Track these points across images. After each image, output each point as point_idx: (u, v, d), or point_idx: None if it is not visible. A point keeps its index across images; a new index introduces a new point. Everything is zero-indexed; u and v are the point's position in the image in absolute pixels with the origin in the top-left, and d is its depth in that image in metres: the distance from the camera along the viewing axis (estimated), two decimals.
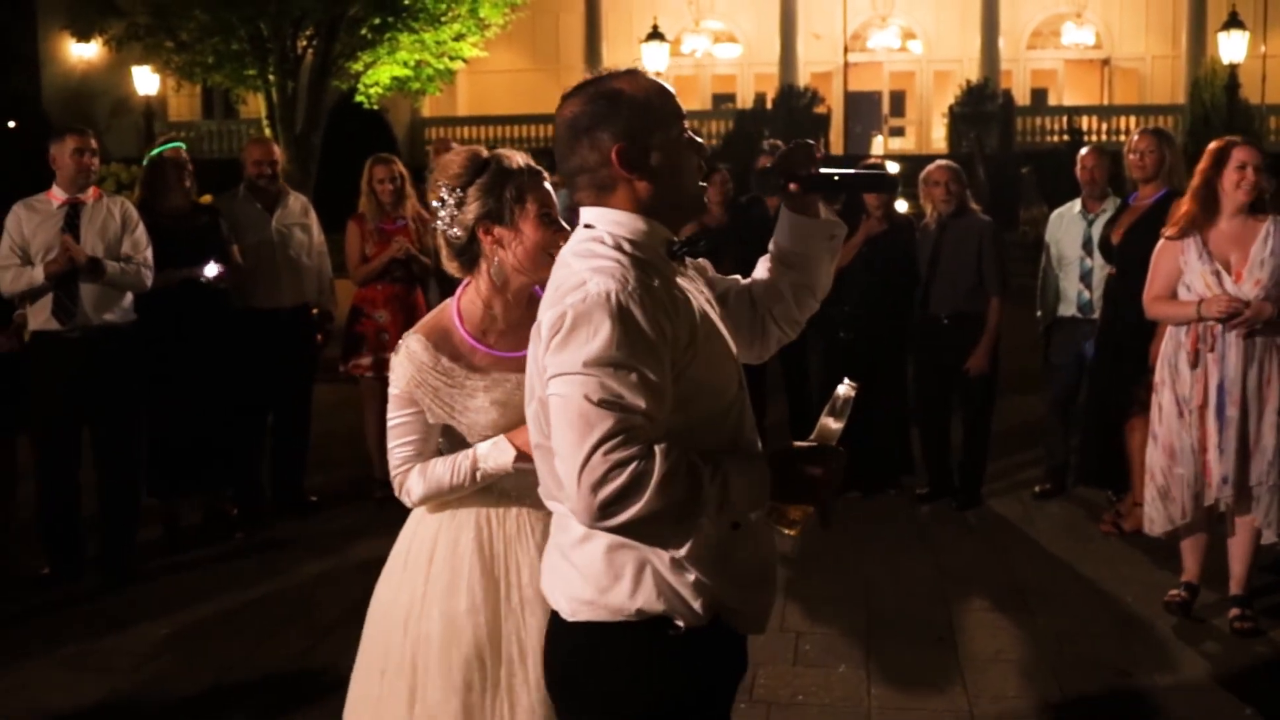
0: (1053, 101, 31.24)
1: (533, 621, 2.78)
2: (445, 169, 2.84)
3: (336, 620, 5.35)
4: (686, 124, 2.23)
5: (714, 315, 2.25)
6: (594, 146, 2.16)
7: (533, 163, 2.91)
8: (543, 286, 2.36)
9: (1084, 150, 7.04)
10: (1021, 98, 30.09)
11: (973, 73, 28.48)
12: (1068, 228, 6.93)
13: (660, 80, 2.24)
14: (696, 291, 2.24)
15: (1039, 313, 7.13)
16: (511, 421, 2.75)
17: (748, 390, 2.31)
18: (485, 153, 2.86)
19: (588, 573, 2.15)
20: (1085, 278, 6.77)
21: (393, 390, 2.87)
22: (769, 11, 29.96)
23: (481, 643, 2.79)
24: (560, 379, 2.03)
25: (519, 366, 2.66)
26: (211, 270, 6.22)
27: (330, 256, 7.24)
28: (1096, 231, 6.67)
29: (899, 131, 32.94)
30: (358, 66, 16.82)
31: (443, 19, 16.46)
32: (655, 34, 24.08)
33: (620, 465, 1.95)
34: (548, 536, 2.76)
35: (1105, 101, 30.95)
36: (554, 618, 2.26)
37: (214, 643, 5.14)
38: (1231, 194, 4.94)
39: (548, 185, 2.84)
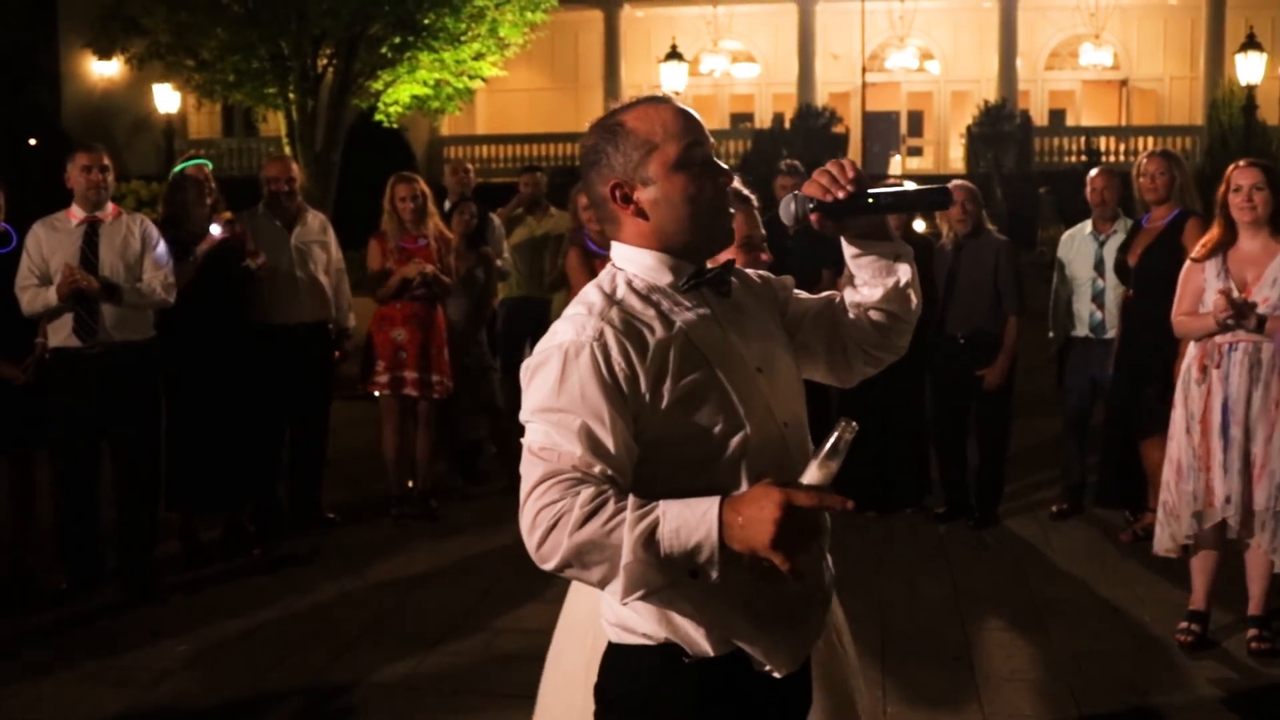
0: (1070, 122, 31.19)
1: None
2: None
3: (354, 637, 5.37)
4: (701, 147, 2.13)
5: (728, 357, 2.12)
6: (600, 181, 2.15)
7: (740, 188, 2.89)
8: None
9: (1094, 172, 7.07)
10: (1039, 118, 30.06)
11: (990, 93, 28.48)
12: (1079, 248, 6.95)
13: (680, 106, 2.16)
14: (710, 326, 2.13)
15: (1051, 334, 7.14)
16: None
17: (783, 438, 2.15)
18: None
19: (607, 596, 2.13)
20: (1098, 298, 6.79)
21: None
22: (787, 32, 30.04)
23: None
24: (525, 424, 2.06)
25: None
26: (216, 229, 6.23)
27: (349, 274, 7.29)
28: (1108, 252, 6.69)
29: (917, 151, 32.92)
30: (378, 85, 16.90)
31: (463, 38, 16.54)
32: (674, 54, 24.15)
33: (545, 509, 1.95)
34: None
35: (1123, 122, 30.89)
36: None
37: (232, 659, 5.16)
38: (1238, 216, 5.00)
39: (747, 208, 2.87)
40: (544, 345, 2.07)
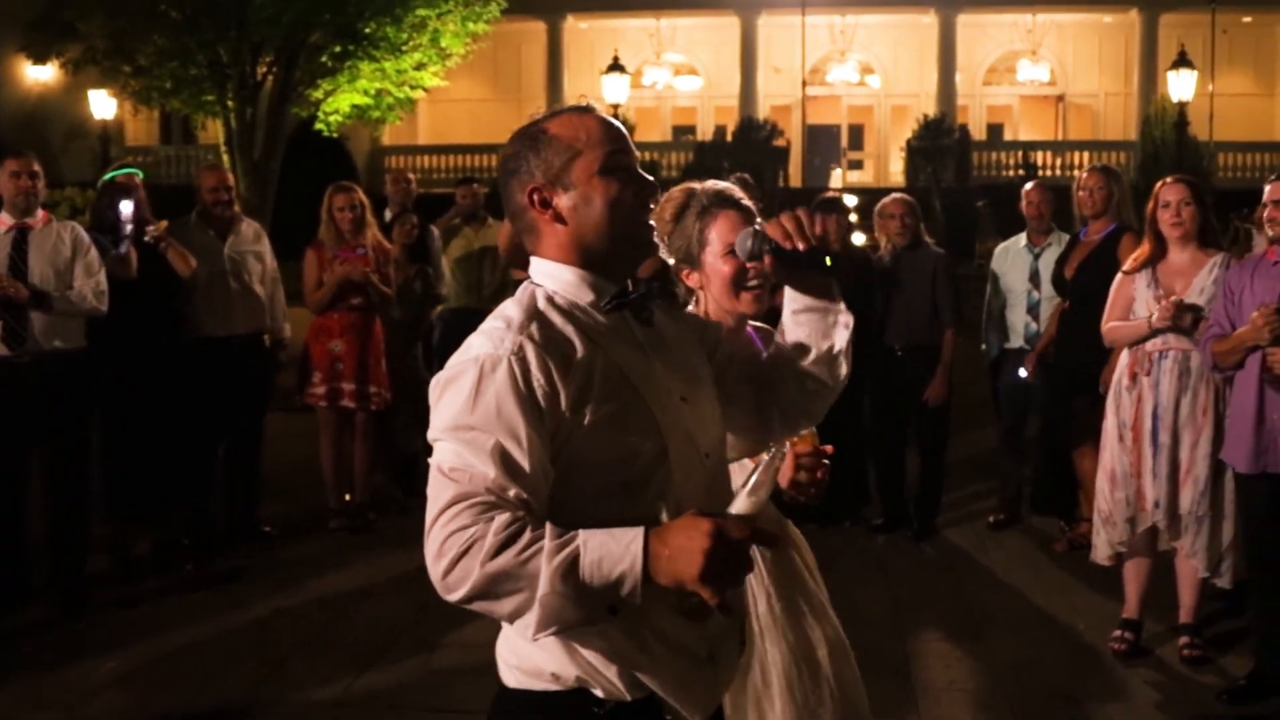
0: (1008, 137, 31.59)
1: (773, 650, 2.74)
2: (658, 216, 2.82)
3: (290, 653, 5.30)
4: (625, 155, 2.07)
5: (652, 379, 2.05)
6: (519, 189, 2.06)
7: (724, 190, 2.85)
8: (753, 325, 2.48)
9: (1029, 186, 7.17)
10: (978, 132, 30.42)
11: (930, 107, 28.77)
12: (1013, 261, 7.04)
13: (605, 116, 2.10)
14: (633, 348, 2.07)
15: (984, 345, 7.23)
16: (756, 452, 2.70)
17: (704, 469, 2.11)
18: (696, 187, 2.87)
19: (509, 633, 2.01)
20: (1033, 310, 6.89)
21: None
22: (729, 45, 30.19)
23: None
24: (434, 443, 1.96)
25: None
26: (127, 207, 6.10)
27: (286, 284, 7.21)
28: (1043, 264, 6.79)
29: (857, 164, 33.19)
30: (318, 94, 16.79)
31: (404, 48, 16.47)
32: (616, 66, 24.17)
33: (454, 534, 1.83)
34: (779, 562, 2.77)
35: (1059, 137, 31.33)
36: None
37: (163, 677, 5.06)
38: (1167, 231, 5.10)
39: (734, 213, 2.81)
40: (457, 359, 1.99)
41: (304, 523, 7.19)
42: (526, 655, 2.00)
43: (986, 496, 7.59)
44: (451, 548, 1.83)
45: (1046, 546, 6.75)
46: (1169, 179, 5.21)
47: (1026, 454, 7.24)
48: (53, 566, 5.86)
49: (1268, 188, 4.75)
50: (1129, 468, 5.12)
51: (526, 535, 1.81)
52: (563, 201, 2.05)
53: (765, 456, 1.92)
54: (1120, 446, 5.17)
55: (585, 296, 2.06)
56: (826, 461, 2.67)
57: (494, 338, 1.96)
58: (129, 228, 6.10)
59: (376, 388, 7.03)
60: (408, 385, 7.46)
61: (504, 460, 1.88)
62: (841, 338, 2.24)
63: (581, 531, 1.82)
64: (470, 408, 1.91)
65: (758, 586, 2.79)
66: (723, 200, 2.84)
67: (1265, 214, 4.74)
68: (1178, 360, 5.03)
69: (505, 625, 1.96)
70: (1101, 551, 5.28)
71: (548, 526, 1.83)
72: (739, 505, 1.89)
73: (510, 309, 2.03)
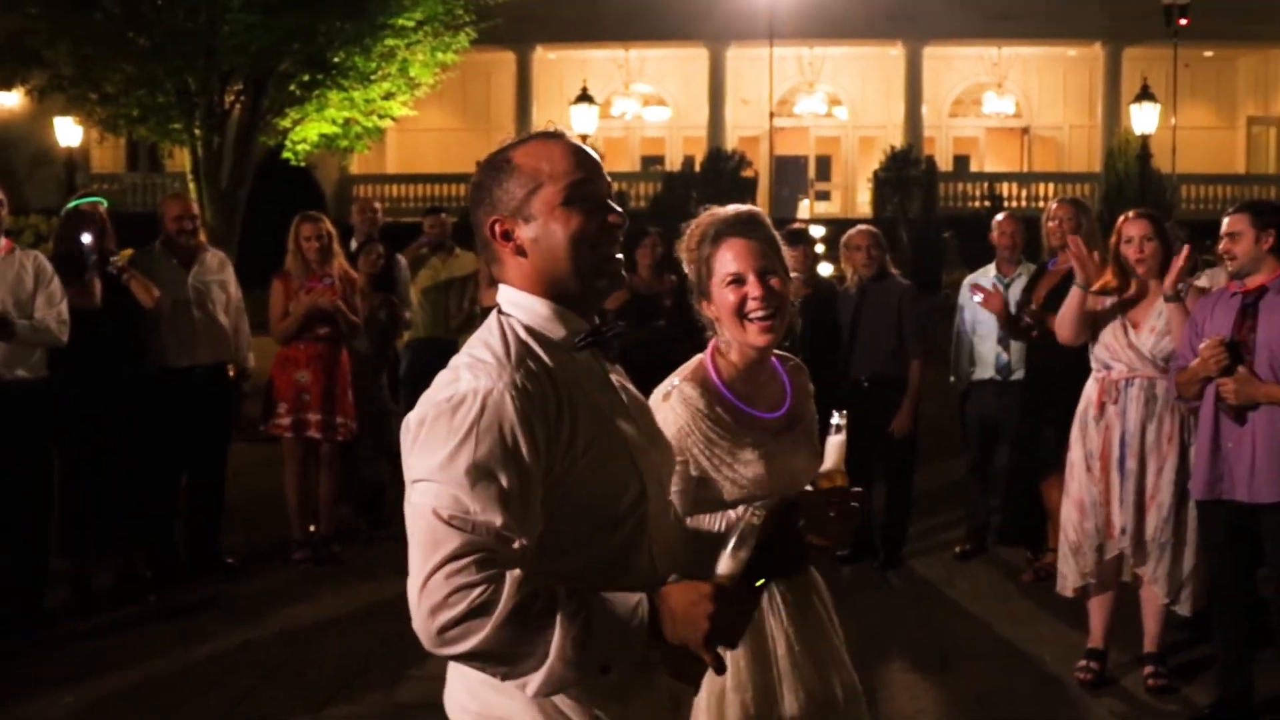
0: (974, 168, 31.89)
1: (790, 696, 2.69)
2: (685, 244, 2.82)
3: (252, 687, 5.24)
4: (590, 185, 2.02)
5: (624, 418, 2.06)
6: (484, 219, 2.03)
7: (734, 215, 2.76)
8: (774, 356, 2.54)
9: (1000, 216, 7.22)
10: (944, 164, 30.70)
11: (897, 139, 29.00)
12: None
13: (573, 142, 2.06)
14: (605, 386, 2.07)
15: (952, 377, 7.25)
16: (775, 479, 2.67)
17: (669, 513, 2.12)
18: (718, 213, 2.80)
19: (472, 680, 1.96)
20: (1003, 340, 6.89)
21: None
22: (698, 76, 30.37)
23: None
24: (415, 485, 1.86)
25: (772, 428, 2.71)
26: (87, 238, 6.06)
27: (251, 313, 7.16)
28: (1012, 294, 6.81)
29: (824, 195, 33.39)
30: (286, 123, 16.76)
31: (373, 77, 16.47)
32: (584, 96, 24.27)
33: (462, 590, 1.77)
34: (799, 606, 2.72)
35: (1024, 168, 31.65)
36: None
37: (125, 710, 4.99)
38: (1134, 267, 5.13)
39: (739, 240, 2.73)
40: (441, 395, 1.89)
41: (268, 554, 7.12)
42: (491, 703, 1.96)
43: (953, 527, 7.60)
44: (458, 604, 1.77)
45: (1013, 577, 6.76)
46: (1131, 214, 5.25)
47: (994, 485, 7.26)
48: (9, 599, 5.77)
49: (1225, 220, 4.79)
50: (1098, 496, 5.13)
51: (540, 601, 1.79)
52: (524, 233, 2.01)
53: (735, 514, 1.93)
54: (1088, 476, 5.18)
55: (558, 331, 2.02)
56: (856, 505, 2.57)
57: (489, 372, 1.89)
58: (93, 258, 6.06)
59: (343, 418, 6.98)
60: (373, 416, 7.42)
61: (509, 505, 1.82)
62: (747, 548, 2.03)
63: (588, 596, 1.82)
64: (472, 446, 1.83)
65: (777, 629, 2.73)
66: (730, 226, 2.76)
67: (1221, 246, 4.78)
68: (1144, 388, 5.07)
69: (465, 672, 1.92)
70: (1067, 583, 5.27)
71: (560, 592, 1.81)
72: (724, 565, 1.92)
73: (492, 342, 1.96)
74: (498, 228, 2.02)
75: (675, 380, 2.75)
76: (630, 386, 2.17)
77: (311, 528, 7.12)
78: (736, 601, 1.88)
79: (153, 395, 6.41)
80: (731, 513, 1.99)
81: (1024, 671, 5.42)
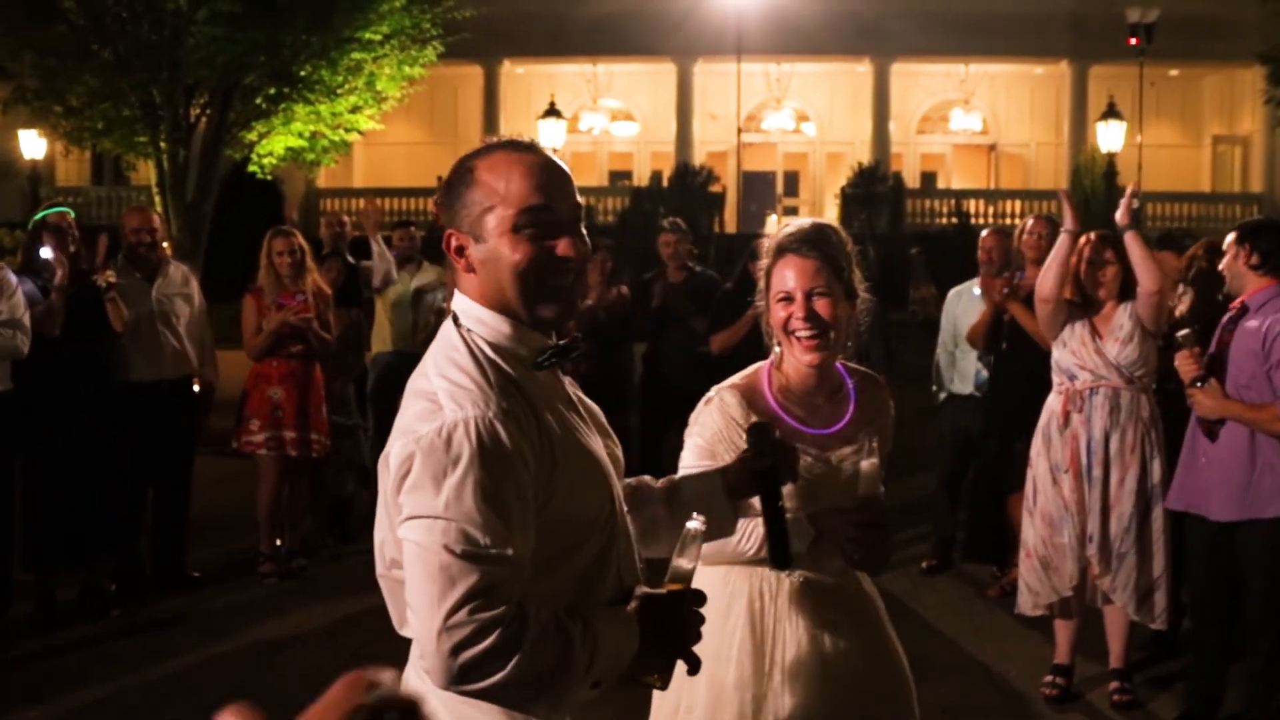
0: (941, 184, 32.06)
1: (789, 701, 2.69)
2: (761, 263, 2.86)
3: (218, 702, 5.17)
4: (546, 211, 1.95)
5: (590, 433, 2.04)
6: (445, 227, 2.01)
7: (794, 233, 2.78)
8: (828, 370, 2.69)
9: (985, 232, 7.23)
10: (911, 180, 30.84)
11: (864, 155, 29.14)
12: (965, 307, 7.08)
13: (541, 158, 1.99)
14: (568, 403, 2.05)
15: (935, 387, 7.29)
16: (806, 495, 2.69)
17: (628, 528, 2.10)
18: (789, 226, 2.84)
19: (446, 697, 1.89)
20: (983, 357, 6.91)
21: (695, 440, 2.76)
22: (666, 91, 30.43)
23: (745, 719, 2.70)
24: (415, 523, 1.81)
25: (816, 442, 2.74)
26: (46, 252, 6.04)
27: (217, 327, 7.12)
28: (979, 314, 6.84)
29: (792, 211, 33.43)
30: (252, 136, 16.66)
31: (339, 91, 16.42)
32: (552, 110, 24.28)
33: (487, 628, 1.74)
34: (816, 614, 2.72)
35: (992, 186, 31.85)
36: None
37: None
38: (1092, 291, 5.22)
39: (794, 258, 2.75)
40: (425, 430, 1.83)
41: (234, 569, 7.07)
42: (464, 715, 1.92)
43: (920, 542, 7.61)
44: (484, 640, 1.75)
45: (979, 593, 6.79)
46: (1093, 236, 5.30)
47: (963, 500, 7.28)
48: None
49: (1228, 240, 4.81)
50: (1074, 507, 5.15)
51: (558, 634, 1.81)
52: (474, 253, 1.98)
53: (691, 526, 2.00)
54: (1055, 490, 5.20)
55: (520, 350, 1.98)
56: (876, 528, 2.59)
57: (473, 400, 1.85)
58: (58, 274, 6.00)
59: (317, 435, 6.95)
60: (336, 431, 7.38)
61: (517, 533, 1.81)
62: (697, 547, 2.05)
63: (590, 617, 1.86)
64: (474, 478, 1.79)
65: (790, 634, 2.75)
66: (791, 242, 2.78)
67: (1224, 264, 4.81)
68: (1108, 397, 5.12)
69: (437, 688, 1.87)
70: (1044, 598, 5.27)
71: (577, 623, 1.83)
72: (683, 570, 1.99)
73: (464, 363, 1.91)
74: (453, 241, 1.99)
75: (723, 387, 2.81)
76: (584, 397, 2.16)
77: (278, 541, 7.07)
78: (673, 608, 1.95)
79: (117, 409, 6.36)
80: (690, 524, 2.01)
81: (990, 687, 5.44)
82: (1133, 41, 24.34)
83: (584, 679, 1.82)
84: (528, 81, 30.55)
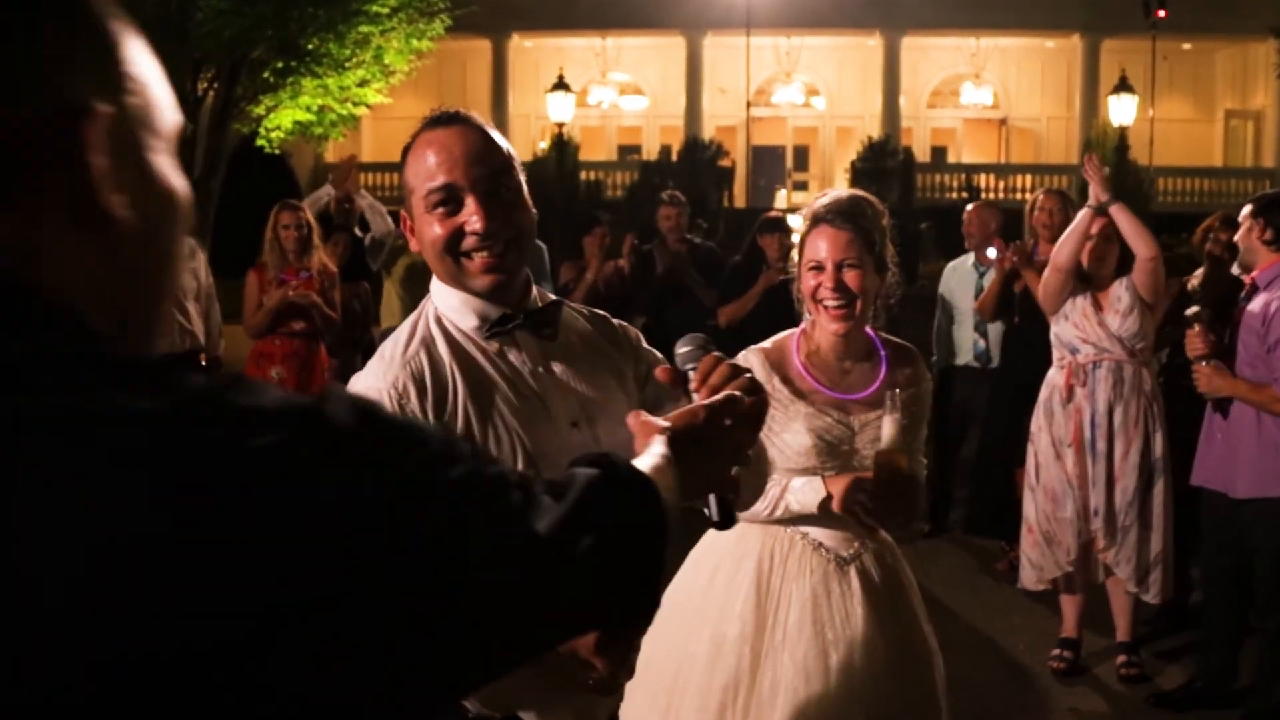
0: (952, 159, 31.94)
1: (788, 659, 2.74)
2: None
3: None
4: (451, 189, 1.94)
5: (538, 411, 1.96)
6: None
7: (830, 204, 2.85)
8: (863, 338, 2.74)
9: (968, 207, 7.25)
10: (921, 155, 30.71)
11: (874, 129, 29.03)
12: (960, 280, 7.09)
13: (448, 136, 1.96)
14: (517, 378, 1.98)
15: (934, 357, 7.27)
16: (824, 454, 2.78)
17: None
18: (827, 196, 2.91)
19: None
20: (980, 327, 6.92)
21: None
22: (675, 65, 30.31)
23: (743, 674, 2.76)
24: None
25: (839, 405, 2.79)
26: None
27: (223, 303, 7.08)
28: (988, 282, 6.82)
29: (802, 185, 33.37)
30: (259, 110, 16.63)
31: (347, 64, 16.37)
32: (561, 84, 24.20)
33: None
34: (824, 578, 2.78)
35: (1002, 160, 31.72)
36: None
37: None
38: (1089, 267, 5.21)
39: (827, 228, 2.82)
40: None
41: None
42: None
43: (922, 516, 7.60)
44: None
45: (984, 566, 6.77)
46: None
47: (960, 470, 7.27)
48: None
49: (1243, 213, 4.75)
50: (1077, 481, 5.14)
51: None
52: (414, 231, 2.04)
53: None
54: (1058, 465, 5.19)
55: (469, 321, 2.01)
56: (899, 488, 2.68)
57: (377, 371, 1.95)
58: None
59: None
60: None
61: None
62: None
63: None
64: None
65: (797, 594, 2.80)
66: (827, 212, 2.86)
67: (1238, 237, 4.74)
68: (1112, 370, 5.10)
69: None
70: (1048, 573, 5.27)
71: None
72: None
73: (400, 333, 2.02)
74: (406, 221, 2.06)
75: (751, 349, 2.91)
76: (587, 357, 2.07)
77: None
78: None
79: None
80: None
81: (997, 661, 5.43)
82: (1161, 14, 24.07)
83: None
84: (536, 55, 30.44)
